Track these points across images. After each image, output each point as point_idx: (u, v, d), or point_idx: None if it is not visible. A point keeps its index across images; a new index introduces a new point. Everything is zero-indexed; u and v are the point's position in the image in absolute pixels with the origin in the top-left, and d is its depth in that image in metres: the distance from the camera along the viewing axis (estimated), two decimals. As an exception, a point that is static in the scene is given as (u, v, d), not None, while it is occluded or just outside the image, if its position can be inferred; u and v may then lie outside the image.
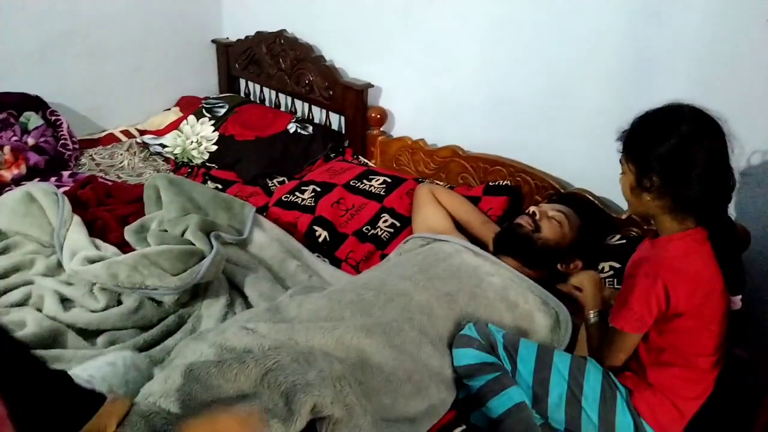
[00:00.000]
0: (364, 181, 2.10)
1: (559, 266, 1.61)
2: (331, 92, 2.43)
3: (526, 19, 1.86)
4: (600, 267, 1.63)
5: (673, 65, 1.59)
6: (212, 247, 1.68)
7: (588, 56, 1.76)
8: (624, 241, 1.67)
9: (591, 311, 1.36)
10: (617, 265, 1.59)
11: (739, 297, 1.25)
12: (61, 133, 2.38)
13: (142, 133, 2.66)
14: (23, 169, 2.19)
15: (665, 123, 1.16)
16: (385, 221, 1.96)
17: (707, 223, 1.19)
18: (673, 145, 1.13)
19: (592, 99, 1.78)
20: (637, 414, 1.23)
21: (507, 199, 1.93)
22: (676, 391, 1.22)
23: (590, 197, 1.80)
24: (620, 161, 1.24)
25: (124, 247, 1.76)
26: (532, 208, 1.66)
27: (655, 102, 1.21)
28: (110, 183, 2.17)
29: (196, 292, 1.63)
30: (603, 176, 1.57)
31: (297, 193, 2.09)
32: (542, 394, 1.26)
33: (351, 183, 2.09)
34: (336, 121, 2.51)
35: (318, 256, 1.88)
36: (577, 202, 1.76)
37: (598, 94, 1.76)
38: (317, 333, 1.22)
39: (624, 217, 1.72)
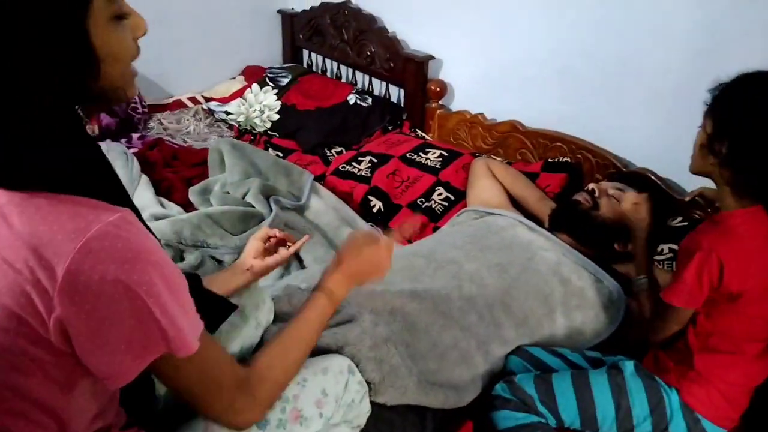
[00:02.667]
0: (421, 153, 2.10)
1: (616, 246, 1.58)
2: (391, 64, 2.43)
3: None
4: (659, 249, 1.59)
5: (749, 35, 1.50)
6: (271, 211, 1.74)
7: (657, 26, 1.68)
8: (686, 223, 1.62)
9: (640, 277, 1.34)
10: (677, 248, 1.54)
11: None
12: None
13: (208, 100, 2.75)
14: (96, 129, 2.31)
15: (746, 86, 1.09)
16: (440, 194, 1.96)
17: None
18: (758, 123, 1.06)
19: (661, 73, 1.70)
20: (690, 411, 1.20)
21: (565, 177, 1.89)
22: (723, 378, 1.18)
23: (653, 177, 1.74)
24: (705, 113, 1.16)
25: (188, 207, 1.84)
26: (591, 185, 1.62)
27: (729, 76, 1.14)
28: (176, 146, 2.26)
29: (254, 253, 1.70)
30: (668, 156, 1.52)
31: (354, 164, 2.12)
32: (594, 427, 1.25)
33: (407, 155, 2.10)
34: (395, 93, 2.52)
35: (372, 226, 1.91)
36: (640, 181, 1.71)
37: (667, 67, 1.68)
38: (366, 296, 1.25)
39: (688, 197, 1.66)
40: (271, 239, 1.20)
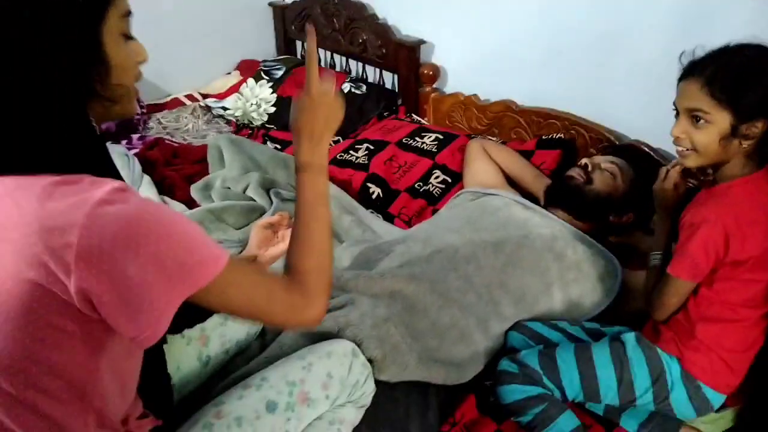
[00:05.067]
0: (417, 138, 2.12)
1: (611, 218, 1.61)
2: (384, 50, 2.44)
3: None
4: (654, 219, 1.61)
5: (734, 10, 1.51)
6: (272, 203, 1.77)
7: (642, 2, 1.69)
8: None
9: (655, 252, 1.30)
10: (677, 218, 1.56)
11: None
12: (131, 98, 2.52)
13: (205, 96, 2.77)
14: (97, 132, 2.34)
15: (759, 62, 1.07)
16: (437, 177, 1.99)
17: None
18: None
19: (648, 46, 1.71)
20: (692, 379, 1.22)
21: (560, 153, 1.91)
22: (723, 344, 1.20)
23: (646, 149, 1.76)
24: (692, 112, 1.11)
25: (191, 204, 1.88)
26: (584, 160, 1.64)
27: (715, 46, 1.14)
28: (176, 144, 2.30)
29: (257, 245, 1.74)
30: (660, 127, 1.52)
31: (351, 152, 2.15)
32: (597, 401, 1.28)
33: (403, 141, 2.12)
34: (389, 79, 2.53)
35: (371, 212, 1.94)
36: (632, 153, 1.73)
37: (654, 40, 1.69)
38: (367, 281, 1.28)
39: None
40: (274, 225, 1.22)
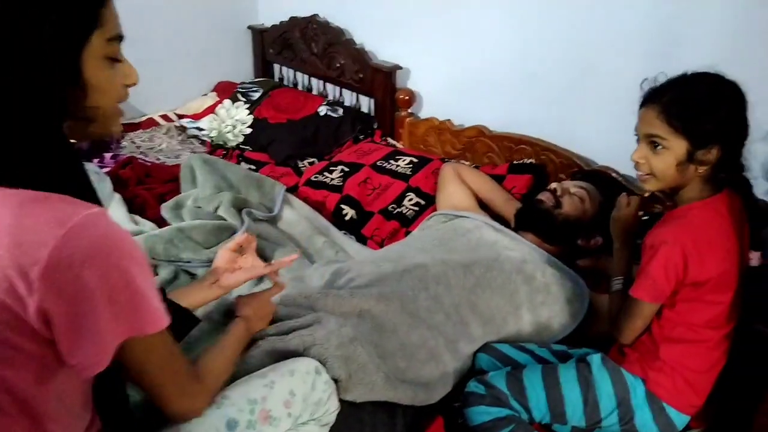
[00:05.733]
0: (391, 161, 2.14)
1: (579, 242, 1.63)
2: (361, 75, 2.47)
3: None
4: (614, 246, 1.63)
5: (699, 39, 1.57)
6: (243, 223, 1.76)
7: (611, 31, 1.75)
8: (647, 217, 1.66)
9: (616, 278, 1.33)
10: (639, 242, 1.59)
11: (759, 254, 1.24)
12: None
13: (181, 117, 2.77)
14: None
15: (714, 91, 1.12)
16: (411, 200, 2.00)
17: (736, 180, 1.17)
18: (734, 109, 1.10)
19: (616, 74, 1.77)
20: (656, 399, 1.23)
21: (531, 178, 1.94)
22: (687, 365, 1.22)
23: (614, 174, 1.80)
24: (651, 138, 1.14)
25: (162, 223, 1.86)
26: (553, 185, 1.68)
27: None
28: (149, 164, 2.28)
29: (227, 265, 1.72)
30: (627, 153, 1.57)
31: (326, 173, 2.16)
32: (563, 422, 1.28)
33: (378, 163, 2.14)
34: (366, 103, 2.56)
35: (345, 234, 1.94)
36: (601, 179, 1.77)
37: (621, 69, 1.75)
38: (335, 300, 1.28)
39: (647, 195, 1.72)
40: (242, 247, 1.24)
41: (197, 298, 1.16)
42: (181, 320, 1.06)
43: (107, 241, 0.71)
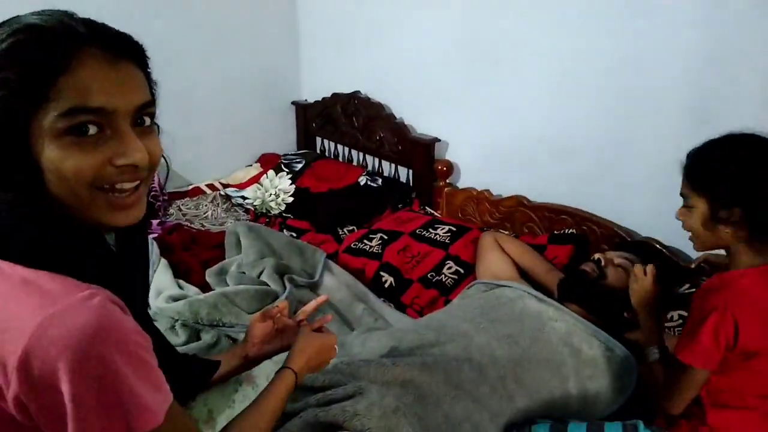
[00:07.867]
0: (430, 229, 2.16)
1: (625, 314, 1.59)
2: (400, 147, 2.54)
3: (586, 73, 1.91)
4: (669, 316, 1.59)
5: (736, 116, 1.58)
6: (285, 289, 1.78)
7: (651, 108, 1.78)
8: (693, 290, 1.63)
9: (651, 347, 1.32)
10: (686, 314, 1.55)
11: None
12: (153, 186, 2.62)
13: (226, 186, 2.87)
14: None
15: (735, 151, 1.14)
16: (450, 268, 2.00)
17: None
18: (752, 172, 1.11)
19: (656, 151, 1.78)
20: None
21: (572, 248, 1.93)
22: (736, 431, 1.18)
23: (658, 246, 1.77)
24: (683, 196, 1.20)
25: (206, 288, 1.90)
26: (597, 255, 1.66)
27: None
28: (194, 230, 2.35)
29: (269, 331, 1.73)
30: (671, 227, 1.56)
31: (365, 241, 2.18)
32: None
33: (417, 231, 2.16)
34: (404, 173, 2.62)
35: (384, 301, 1.94)
36: (645, 250, 1.74)
37: (661, 146, 1.76)
38: (378, 369, 1.26)
39: (694, 264, 1.69)
40: (273, 316, 1.20)
41: (221, 370, 1.14)
42: (198, 371, 1.06)
43: (88, 332, 0.62)
